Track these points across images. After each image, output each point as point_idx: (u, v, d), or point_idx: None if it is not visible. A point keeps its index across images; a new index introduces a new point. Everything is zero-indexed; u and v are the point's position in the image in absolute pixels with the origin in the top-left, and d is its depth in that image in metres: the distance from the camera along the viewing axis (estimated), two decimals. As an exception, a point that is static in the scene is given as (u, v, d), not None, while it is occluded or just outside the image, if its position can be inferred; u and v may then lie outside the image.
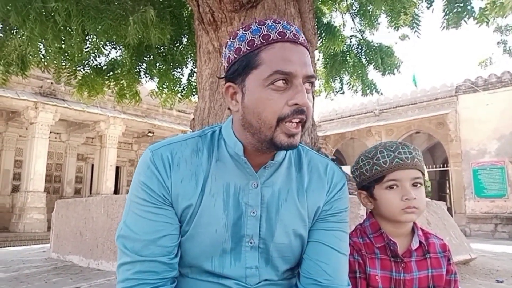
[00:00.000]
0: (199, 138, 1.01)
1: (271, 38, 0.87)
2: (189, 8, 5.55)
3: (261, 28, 0.88)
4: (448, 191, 19.79)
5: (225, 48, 0.94)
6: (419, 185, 1.16)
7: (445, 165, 16.62)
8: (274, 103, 0.86)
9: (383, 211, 1.20)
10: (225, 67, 0.95)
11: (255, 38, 0.88)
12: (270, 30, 0.88)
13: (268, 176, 0.99)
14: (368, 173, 1.21)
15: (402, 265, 1.17)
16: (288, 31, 0.89)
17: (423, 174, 1.18)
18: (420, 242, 1.20)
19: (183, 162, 0.95)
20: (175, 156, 0.95)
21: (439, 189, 21.61)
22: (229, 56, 0.93)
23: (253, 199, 0.97)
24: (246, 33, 0.90)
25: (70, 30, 4.44)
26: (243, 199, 0.97)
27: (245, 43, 0.89)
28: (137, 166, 0.98)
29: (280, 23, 0.90)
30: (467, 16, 4.41)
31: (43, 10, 4.14)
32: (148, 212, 0.92)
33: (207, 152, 0.98)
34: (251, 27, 0.90)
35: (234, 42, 0.92)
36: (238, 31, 0.93)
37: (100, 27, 4.20)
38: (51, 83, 13.70)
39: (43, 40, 4.54)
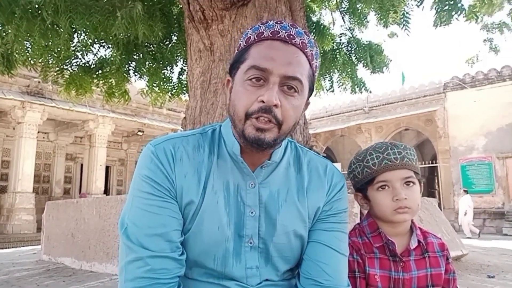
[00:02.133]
0: (200, 135, 1.01)
1: (263, 36, 0.90)
2: (179, 5, 5.51)
3: (260, 26, 0.91)
4: (437, 187, 20.02)
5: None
6: (411, 184, 1.16)
7: (433, 162, 16.80)
8: (246, 97, 0.88)
9: (376, 212, 1.21)
10: None
11: (252, 35, 0.91)
12: (266, 28, 0.90)
13: (265, 176, 0.99)
14: (360, 176, 1.22)
15: (401, 264, 1.17)
16: (284, 31, 0.89)
17: (416, 173, 1.18)
18: (419, 241, 1.21)
19: (185, 157, 0.95)
20: (178, 151, 0.95)
21: (428, 185, 21.84)
22: (235, 52, 0.98)
23: (251, 199, 0.97)
24: (249, 31, 0.94)
25: (57, 27, 4.37)
26: (241, 198, 0.97)
27: (244, 39, 0.94)
28: (139, 161, 0.97)
29: (282, 24, 0.91)
30: (457, 14, 4.45)
31: (29, 7, 4.06)
32: (153, 205, 0.90)
33: (208, 150, 0.98)
34: (255, 26, 0.94)
35: (241, 39, 0.97)
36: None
37: (88, 23, 4.14)
38: (38, 82, 13.50)
39: (29, 38, 4.46)
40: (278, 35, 0.89)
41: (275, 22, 0.91)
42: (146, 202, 0.91)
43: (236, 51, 0.96)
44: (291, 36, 0.90)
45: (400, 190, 1.14)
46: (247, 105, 0.88)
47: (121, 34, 4.98)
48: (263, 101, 0.86)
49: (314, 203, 1.04)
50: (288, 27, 0.90)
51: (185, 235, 0.95)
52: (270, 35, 0.89)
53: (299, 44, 0.90)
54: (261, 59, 0.87)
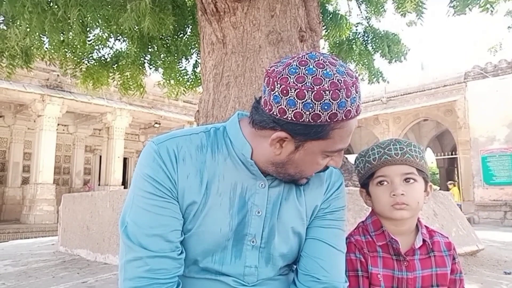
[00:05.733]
0: (203, 134, 0.99)
1: (337, 118, 0.82)
2: (192, -3, 5.51)
3: (332, 103, 0.80)
4: (456, 178, 19.66)
5: (278, 92, 0.83)
6: (411, 181, 1.13)
7: (453, 153, 16.49)
8: (319, 167, 0.96)
9: (376, 208, 1.20)
10: (273, 112, 0.85)
11: (321, 114, 0.81)
12: (339, 108, 0.81)
13: (275, 177, 0.99)
14: (362, 171, 1.21)
15: (405, 263, 1.16)
16: (353, 107, 0.84)
17: (420, 170, 1.15)
18: (424, 241, 1.18)
19: (188, 158, 0.94)
20: (181, 151, 0.94)
21: (448, 176, 21.46)
22: (283, 109, 0.83)
23: (260, 199, 0.97)
24: (314, 103, 0.80)
25: (69, 21, 4.40)
26: (250, 199, 0.97)
27: (309, 113, 0.81)
28: (140, 159, 0.97)
29: (350, 96, 0.82)
30: (472, 3, 4.31)
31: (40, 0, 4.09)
32: (154, 205, 0.90)
33: (210, 150, 0.97)
34: (322, 99, 0.80)
35: (292, 99, 0.81)
36: (296, 84, 0.81)
37: (100, 16, 4.15)
38: (58, 75, 13.73)
39: (45, 32, 4.51)
40: (350, 116, 0.84)
41: (346, 96, 0.82)
42: (147, 202, 0.91)
43: (292, 116, 0.82)
44: (358, 110, 0.87)
45: (397, 186, 1.13)
46: (315, 170, 0.98)
47: (135, 27, 5.00)
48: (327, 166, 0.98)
49: (312, 201, 1.04)
50: (355, 98, 0.84)
51: (185, 235, 0.95)
52: (344, 117, 0.83)
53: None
54: (341, 142, 0.90)
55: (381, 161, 1.15)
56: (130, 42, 5.77)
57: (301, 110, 0.81)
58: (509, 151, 13.86)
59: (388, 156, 1.15)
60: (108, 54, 6.26)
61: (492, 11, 4.23)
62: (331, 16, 6.40)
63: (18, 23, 4.34)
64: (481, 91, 14.54)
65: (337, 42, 6.65)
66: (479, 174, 14.48)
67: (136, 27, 5.06)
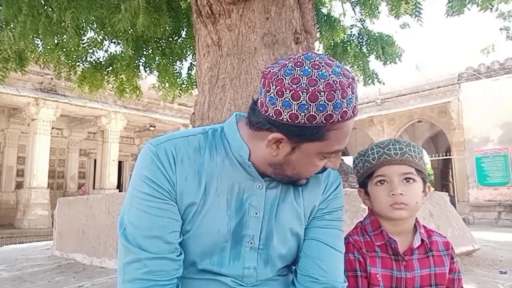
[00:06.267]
0: (201, 135, 0.99)
1: (332, 119, 0.82)
2: (187, 0, 5.50)
3: (327, 104, 0.79)
4: (451, 179, 19.76)
5: (273, 94, 0.83)
6: (410, 181, 1.14)
7: (447, 154, 16.56)
8: (317, 168, 0.95)
9: (375, 207, 1.20)
10: (269, 113, 0.85)
11: (317, 115, 0.80)
12: (335, 109, 0.80)
13: (272, 179, 0.99)
14: (361, 171, 1.22)
15: (403, 263, 1.16)
16: (350, 108, 0.83)
17: (419, 171, 1.16)
18: (422, 240, 1.19)
19: (186, 159, 0.94)
20: (179, 152, 0.94)
21: (442, 177, 21.58)
22: (279, 110, 0.83)
23: (257, 200, 0.97)
24: (309, 105, 0.80)
25: (64, 24, 4.37)
26: (247, 200, 0.97)
27: (304, 114, 0.81)
28: (138, 161, 0.97)
29: (346, 96, 0.81)
30: (471, 3, 4.34)
31: (35, 2, 4.07)
32: (152, 207, 0.90)
33: (208, 151, 0.97)
34: (317, 100, 0.79)
35: (287, 100, 0.81)
36: (291, 86, 0.80)
37: (94, 18, 4.13)
38: (52, 78, 13.67)
39: (39, 35, 4.49)
40: (346, 117, 0.83)
41: (342, 97, 0.81)
42: (146, 204, 0.91)
43: (287, 117, 0.82)
44: (355, 111, 0.86)
45: (397, 185, 1.13)
46: (315, 172, 0.97)
47: (130, 30, 4.99)
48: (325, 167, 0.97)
49: (310, 201, 1.05)
50: (351, 99, 0.83)
51: (184, 236, 0.95)
52: (340, 119, 0.82)
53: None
54: (339, 143, 0.89)
55: (380, 160, 1.16)
56: (125, 45, 5.75)
57: (296, 111, 0.81)
58: (502, 152, 13.95)
59: (387, 156, 1.16)
60: (102, 57, 6.24)
61: (491, 9, 4.24)
62: (325, 18, 6.43)
63: (12, 26, 4.32)
64: (475, 92, 14.64)
65: (332, 44, 6.67)
66: (473, 175, 14.56)
67: (131, 30, 5.05)
